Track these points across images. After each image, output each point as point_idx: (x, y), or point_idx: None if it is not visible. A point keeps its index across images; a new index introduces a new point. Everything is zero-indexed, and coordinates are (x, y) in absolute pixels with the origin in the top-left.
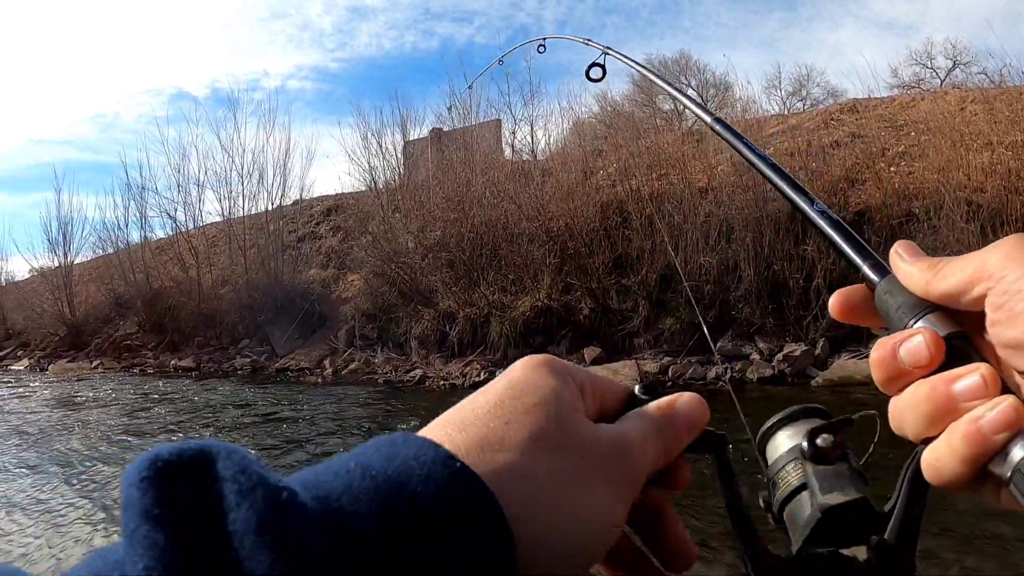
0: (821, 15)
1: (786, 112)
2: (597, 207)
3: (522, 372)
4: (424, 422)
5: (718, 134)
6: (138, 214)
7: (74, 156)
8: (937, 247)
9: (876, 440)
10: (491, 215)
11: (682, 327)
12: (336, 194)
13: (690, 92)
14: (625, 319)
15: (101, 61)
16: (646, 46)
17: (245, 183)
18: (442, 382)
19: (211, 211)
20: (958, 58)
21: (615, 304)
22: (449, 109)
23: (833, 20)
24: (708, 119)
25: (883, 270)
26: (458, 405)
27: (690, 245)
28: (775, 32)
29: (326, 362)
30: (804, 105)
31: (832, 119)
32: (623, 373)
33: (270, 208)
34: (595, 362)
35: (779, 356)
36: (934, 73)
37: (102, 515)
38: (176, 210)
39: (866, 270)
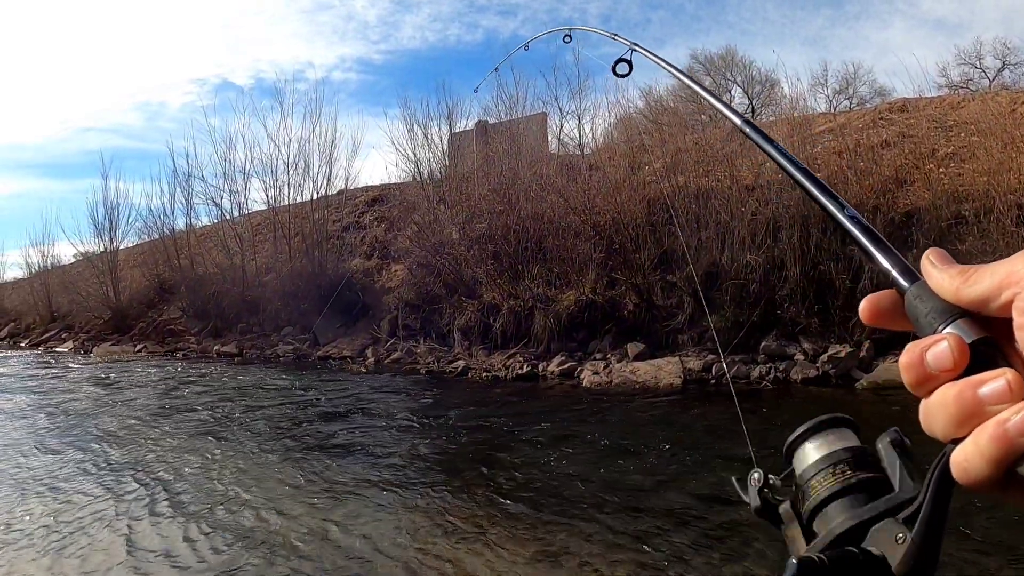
0: (868, 12)
1: (833, 110)
2: (643, 202)
3: None
4: (466, 413)
5: (748, 137)
6: (184, 201)
7: (120, 144)
8: (986, 250)
9: None
10: (537, 208)
11: (727, 325)
12: (381, 184)
13: (734, 90)
14: (670, 315)
15: (146, 50)
16: (691, 40)
17: (291, 172)
18: (484, 374)
19: (256, 199)
20: (1008, 58)
21: (660, 300)
22: (492, 99)
23: (880, 18)
24: (738, 121)
25: (913, 276)
26: None
27: (736, 243)
28: (821, 29)
29: (369, 351)
30: (851, 103)
31: (881, 118)
32: (666, 369)
33: (315, 197)
34: (638, 357)
35: (823, 357)
36: (983, 73)
37: (127, 494)
38: (222, 198)
39: (896, 275)
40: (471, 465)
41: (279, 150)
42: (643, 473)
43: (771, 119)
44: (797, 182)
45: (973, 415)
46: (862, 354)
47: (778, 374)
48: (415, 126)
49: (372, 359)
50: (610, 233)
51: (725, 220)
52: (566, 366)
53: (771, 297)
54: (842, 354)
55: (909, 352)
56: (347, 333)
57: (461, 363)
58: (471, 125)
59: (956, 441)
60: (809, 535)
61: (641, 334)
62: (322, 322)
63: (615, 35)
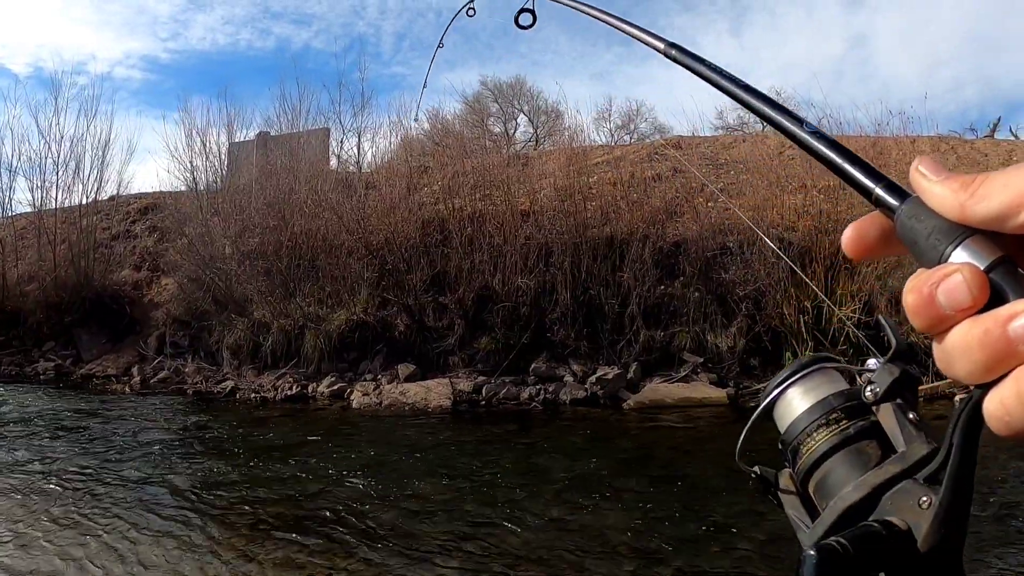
0: (655, 54)
1: (613, 144)
2: (418, 223)
3: None
4: (231, 437)
5: (674, 60)
6: None
7: None
8: (748, 279)
9: None
10: (311, 225)
11: (497, 347)
12: (154, 192)
13: (520, 118)
14: (441, 337)
15: None
16: (483, 67)
17: (60, 173)
18: (253, 395)
19: (21, 200)
20: None
21: (431, 321)
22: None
23: (665, 60)
24: (661, 46)
25: (901, 193)
26: None
27: (509, 266)
28: (610, 65)
29: (134, 369)
30: (631, 138)
31: (656, 153)
32: (436, 391)
33: (85, 202)
34: (409, 379)
35: (592, 379)
36: (757, 119)
37: None
38: None
39: (881, 192)
40: (233, 494)
41: (50, 148)
42: (409, 497)
43: (551, 148)
44: (741, 101)
45: (1005, 357)
46: (629, 375)
47: (547, 395)
48: (194, 132)
49: (138, 378)
50: (383, 253)
51: (499, 244)
52: (336, 387)
53: (541, 320)
54: (610, 376)
55: (915, 291)
56: (113, 349)
57: (230, 383)
58: (252, 135)
59: (983, 385)
60: (807, 502)
61: (412, 355)
62: (87, 337)
63: None
